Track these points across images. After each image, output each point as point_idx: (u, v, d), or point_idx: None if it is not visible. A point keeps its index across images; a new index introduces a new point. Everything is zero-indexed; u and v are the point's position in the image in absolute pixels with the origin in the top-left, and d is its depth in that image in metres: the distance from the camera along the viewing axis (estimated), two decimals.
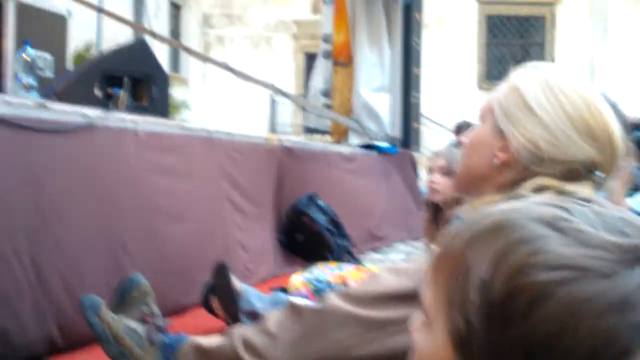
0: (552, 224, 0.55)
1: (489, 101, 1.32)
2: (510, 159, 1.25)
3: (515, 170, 1.23)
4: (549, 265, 0.53)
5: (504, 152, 1.26)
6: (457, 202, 2.61)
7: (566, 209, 0.57)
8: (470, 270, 0.56)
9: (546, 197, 0.61)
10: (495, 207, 0.60)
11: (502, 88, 1.30)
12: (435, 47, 14.38)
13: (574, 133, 1.21)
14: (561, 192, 1.16)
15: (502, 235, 0.56)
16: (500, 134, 1.26)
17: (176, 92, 12.23)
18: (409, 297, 1.41)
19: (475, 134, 1.35)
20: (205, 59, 9.73)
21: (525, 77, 1.27)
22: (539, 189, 1.17)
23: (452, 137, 10.79)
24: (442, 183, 2.72)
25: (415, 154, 6.36)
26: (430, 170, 2.83)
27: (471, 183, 1.33)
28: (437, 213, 2.72)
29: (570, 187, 1.17)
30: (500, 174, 1.25)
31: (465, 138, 1.38)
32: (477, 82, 17.55)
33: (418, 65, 6.35)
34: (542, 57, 17.59)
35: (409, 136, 6.07)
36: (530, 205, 0.58)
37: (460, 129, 8.18)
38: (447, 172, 2.71)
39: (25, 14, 3.41)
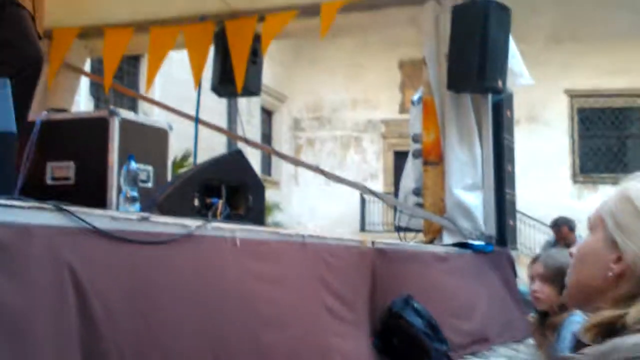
0: None
1: (598, 211, 1.27)
2: (625, 270, 1.19)
3: (631, 282, 1.17)
4: None
5: (619, 264, 1.20)
6: (564, 308, 2.51)
7: None
8: None
9: None
10: (623, 342, 0.56)
11: (612, 197, 1.26)
12: (527, 142, 14.21)
13: None
14: None
15: None
16: (614, 245, 1.21)
17: (268, 194, 12.48)
18: None
19: (585, 246, 1.30)
20: (297, 162, 9.96)
21: (636, 185, 1.23)
22: None
23: (549, 234, 10.50)
24: (544, 291, 2.66)
25: (513, 252, 6.19)
26: (531, 278, 2.77)
27: (584, 297, 1.27)
28: (543, 319, 2.63)
29: None
30: (616, 287, 1.19)
31: (574, 249, 1.33)
32: (571, 176, 17.16)
33: (511, 162, 6.27)
34: (639, 148, 17.12)
35: (504, 234, 5.92)
36: None
37: (558, 225, 7.97)
38: (546, 278, 2.65)
39: (129, 129, 3.59)
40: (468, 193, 5.65)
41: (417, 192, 6.17)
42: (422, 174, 6.11)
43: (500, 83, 5.66)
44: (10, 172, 2.19)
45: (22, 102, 2.91)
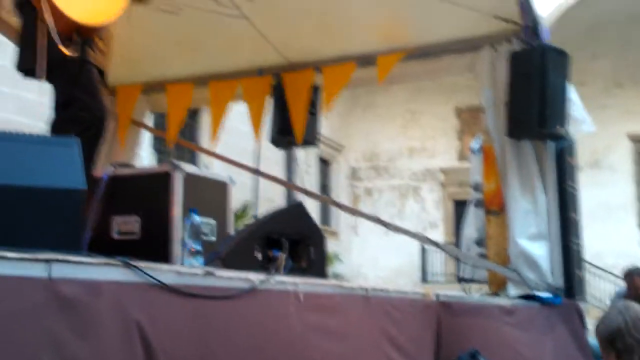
0: None
1: None
2: None
3: None
4: None
5: None
6: None
7: None
8: None
9: None
10: None
11: None
12: (591, 189, 13.92)
13: None
14: None
15: None
16: None
17: (328, 245, 12.44)
18: None
19: None
20: (356, 213, 9.95)
21: None
22: None
23: (618, 284, 10.15)
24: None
25: (581, 304, 5.98)
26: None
27: None
28: None
29: None
30: None
31: None
32: (638, 223, 16.66)
33: (575, 210, 6.11)
34: None
35: (572, 285, 5.73)
36: None
37: (630, 275, 7.68)
38: (604, 347, 2.58)
39: (192, 183, 3.63)
40: (532, 243, 5.51)
41: (479, 242, 6.05)
42: (484, 223, 6.01)
43: (561, 130, 5.57)
44: (79, 229, 2.23)
45: (89, 158, 2.98)
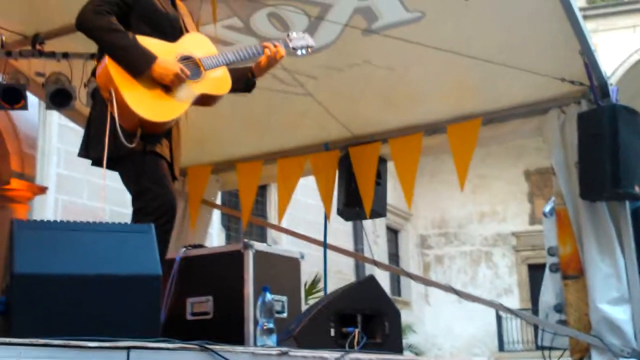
0: None
1: None
2: None
3: None
4: None
5: None
6: None
7: None
8: None
9: None
10: None
11: None
12: None
13: None
14: None
15: None
16: None
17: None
18: None
19: None
20: (428, 282, 9.80)
21: None
22: None
23: None
24: None
25: None
26: None
27: None
28: None
29: None
30: None
31: None
32: None
33: None
34: None
35: None
36: None
37: None
38: None
39: (263, 261, 3.66)
40: (615, 307, 5.31)
41: (558, 308, 5.86)
42: (562, 288, 5.83)
43: (637, 189, 5.41)
44: (156, 314, 2.26)
45: (162, 245, 3.03)
